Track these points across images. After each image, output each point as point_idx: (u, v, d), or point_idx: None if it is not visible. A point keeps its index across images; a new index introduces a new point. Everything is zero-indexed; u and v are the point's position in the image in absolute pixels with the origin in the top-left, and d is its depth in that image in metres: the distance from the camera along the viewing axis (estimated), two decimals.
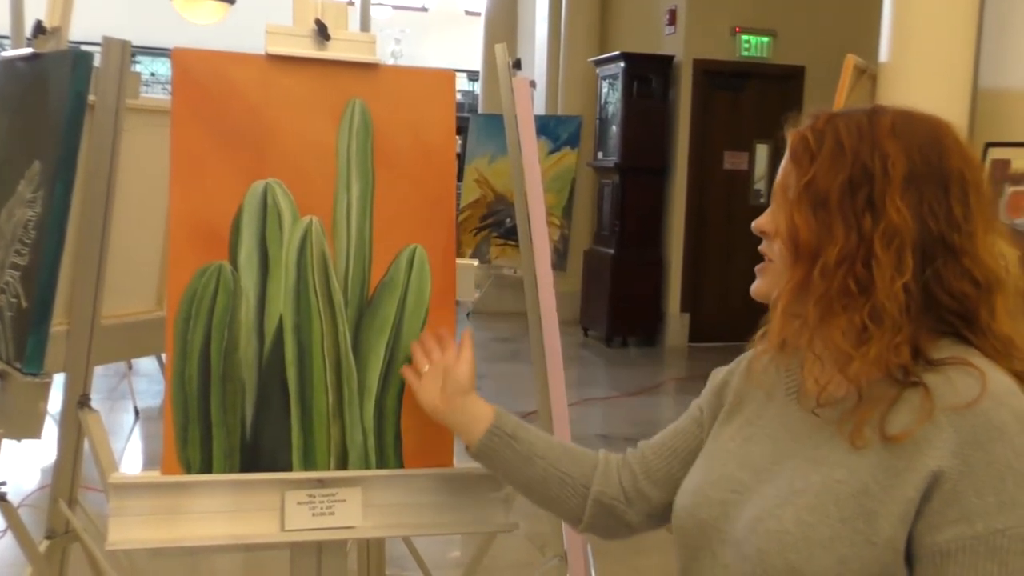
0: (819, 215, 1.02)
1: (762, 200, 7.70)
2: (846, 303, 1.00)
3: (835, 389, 1.03)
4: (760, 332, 1.12)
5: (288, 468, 1.60)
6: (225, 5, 9.41)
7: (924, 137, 1.02)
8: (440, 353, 1.52)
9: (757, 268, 1.12)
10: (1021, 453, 0.92)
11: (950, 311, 1.00)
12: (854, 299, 0.99)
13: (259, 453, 1.59)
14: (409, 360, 1.61)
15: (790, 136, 1.09)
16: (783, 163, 1.09)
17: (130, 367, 5.71)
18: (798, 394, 1.09)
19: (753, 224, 1.11)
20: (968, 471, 0.92)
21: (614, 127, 7.71)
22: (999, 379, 0.96)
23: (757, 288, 1.12)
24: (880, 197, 0.99)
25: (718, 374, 1.28)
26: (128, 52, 2.08)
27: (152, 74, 15.02)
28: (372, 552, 2.33)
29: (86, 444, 2.20)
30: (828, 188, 1.01)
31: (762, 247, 1.11)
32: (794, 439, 1.06)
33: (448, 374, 1.47)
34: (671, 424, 1.33)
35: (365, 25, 5.68)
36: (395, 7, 15.62)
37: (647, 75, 7.58)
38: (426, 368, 1.51)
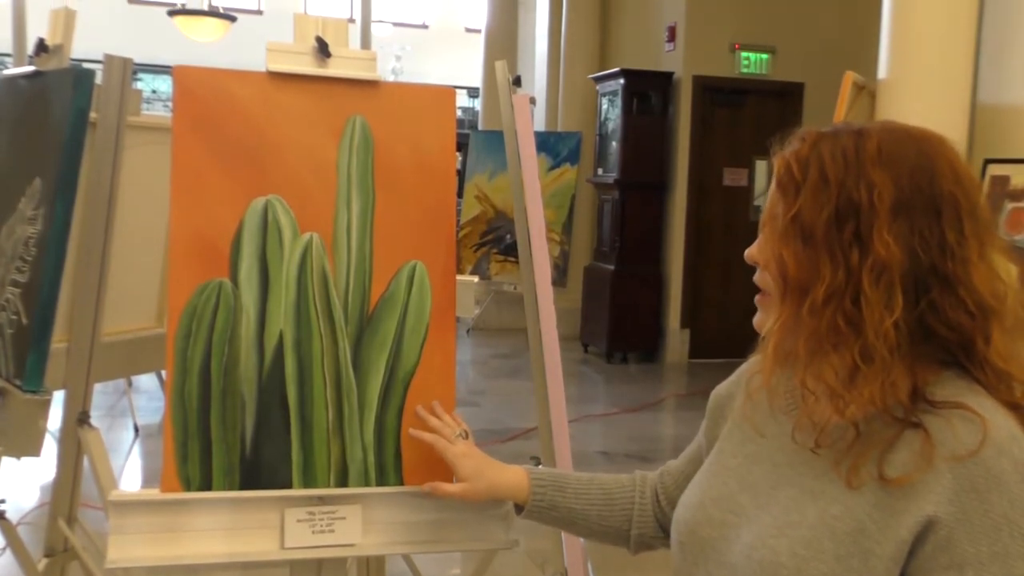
0: (806, 250, 0.99)
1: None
2: (836, 341, 0.98)
3: (832, 425, 1.01)
4: (757, 353, 1.10)
5: (288, 485, 1.60)
6: (226, 23, 9.46)
7: (913, 161, 0.98)
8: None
9: (757, 300, 1.10)
10: (1018, 504, 0.91)
11: (950, 341, 0.98)
12: (844, 337, 0.97)
13: (259, 470, 1.59)
14: (409, 379, 1.62)
15: (776, 161, 1.06)
16: (770, 190, 1.07)
17: (130, 384, 5.71)
18: (795, 426, 1.06)
19: (745, 254, 1.10)
20: (964, 519, 0.91)
21: (614, 143, 7.73)
22: (1001, 425, 0.94)
23: (759, 321, 1.10)
24: (867, 230, 0.96)
25: (717, 396, 1.26)
26: (129, 69, 2.09)
27: (153, 91, 15.09)
28: (372, 569, 2.32)
29: (86, 461, 2.20)
30: (814, 222, 0.98)
31: (756, 278, 1.09)
32: (791, 464, 1.05)
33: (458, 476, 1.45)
34: (687, 448, 1.34)
35: (366, 42, 5.70)
36: (396, 24, 15.71)
37: (647, 91, 7.61)
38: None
